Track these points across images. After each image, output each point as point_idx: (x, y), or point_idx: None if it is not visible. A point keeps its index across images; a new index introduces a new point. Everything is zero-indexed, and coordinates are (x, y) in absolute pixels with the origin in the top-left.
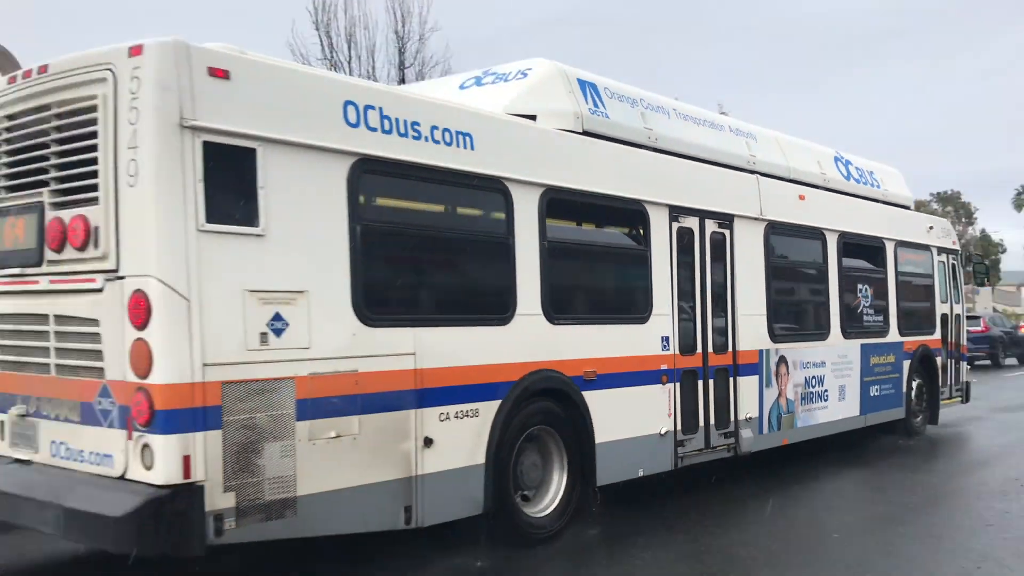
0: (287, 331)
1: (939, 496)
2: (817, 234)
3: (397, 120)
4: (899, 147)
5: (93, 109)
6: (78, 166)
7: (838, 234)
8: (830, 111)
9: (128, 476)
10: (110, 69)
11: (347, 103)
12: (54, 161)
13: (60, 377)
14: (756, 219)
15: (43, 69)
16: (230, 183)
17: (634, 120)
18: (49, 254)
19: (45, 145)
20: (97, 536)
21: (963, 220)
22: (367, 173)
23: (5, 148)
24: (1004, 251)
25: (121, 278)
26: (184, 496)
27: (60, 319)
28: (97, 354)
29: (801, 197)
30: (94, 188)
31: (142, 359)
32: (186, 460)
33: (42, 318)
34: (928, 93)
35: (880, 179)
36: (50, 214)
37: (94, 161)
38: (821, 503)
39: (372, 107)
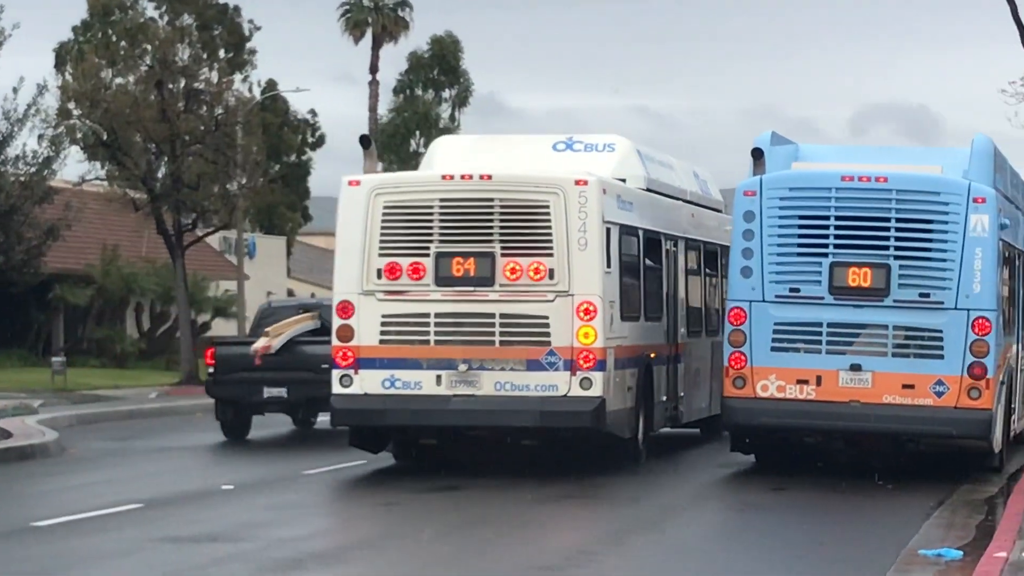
0: (614, 323)
1: None
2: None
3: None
4: None
5: (545, 207)
6: (530, 234)
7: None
8: None
9: (570, 395)
10: (559, 190)
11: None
12: (500, 232)
13: (503, 346)
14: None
15: (485, 177)
16: (612, 247)
17: (666, 176)
18: (502, 280)
19: (490, 222)
20: (571, 420)
21: None
22: (625, 235)
23: (458, 219)
24: None
25: (571, 295)
26: (602, 401)
27: (506, 317)
28: (545, 334)
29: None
30: (548, 247)
31: (589, 337)
32: (604, 385)
33: (490, 317)
34: None
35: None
36: (501, 259)
37: (548, 233)
38: None
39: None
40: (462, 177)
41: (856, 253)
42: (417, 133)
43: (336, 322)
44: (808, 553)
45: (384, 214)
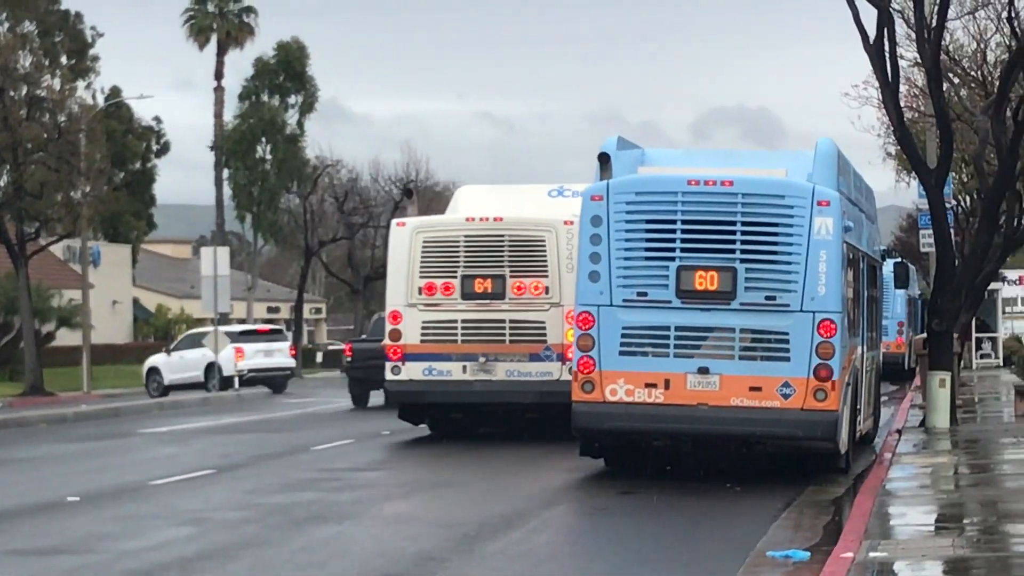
0: None
1: None
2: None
3: None
4: None
5: (542, 240)
6: (531, 261)
7: None
8: None
9: (561, 379)
10: (553, 228)
11: None
12: (509, 259)
13: (512, 344)
14: None
15: (498, 219)
16: None
17: None
18: (510, 295)
19: (501, 252)
20: (563, 398)
21: None
22: None
23: (478, 250)
24: None
25: (562, 306)
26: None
27: (513, 322)
28: (543, 334)
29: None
30: (544, 270)
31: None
32: None
33: (502, 322)
34: None
35: None
36: (510, 279)
37: (544, 260)
38: None
39: None
40: (481, 219)
41: (703, 257)
42: (263, 139)
43: (388, 327)
44: (657, 556)
45: (423, 247)
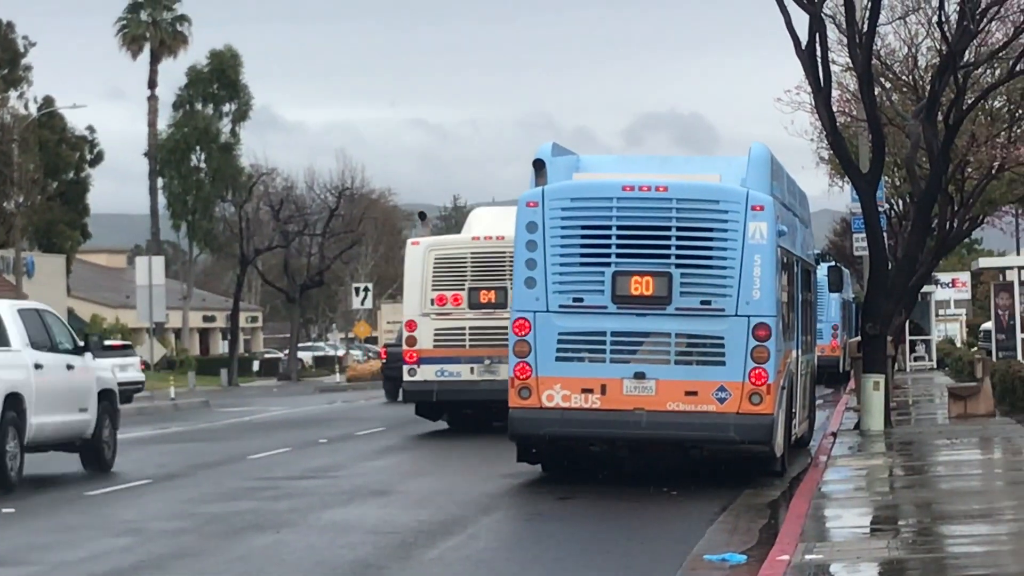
0: None
1: None
2: None
3: None
4: None
5: None
6: None
7: None
8: None
9: None
10: None
11: None
12: (509, 271)
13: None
14: None
15: (500, 238)
16: None
17: None
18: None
19: (503, 267)
20: None
21: None
22: None
23: (483, 265)
24: None
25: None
26: None
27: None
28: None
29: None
30: None
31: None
32: None
33: (505, 329)
34: None
35: None
36: (511, 291)
37: None
38: None
39: None
40: (485, 238)
41: (638, 262)
42: (198, 148)
43: (405, 334)
44: (595, 561)
45: (435, 263)
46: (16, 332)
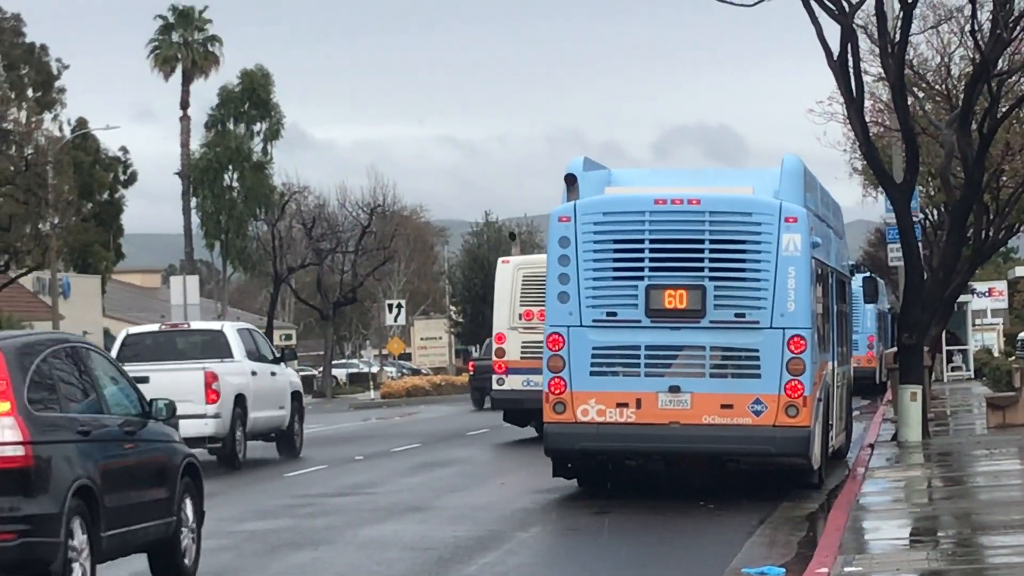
0: None
1: None
2: None
3: None
4: None
5: None
6: None
7: None
8: None
9: None
10: None
11: None
12: None
13: None
14: None
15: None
16: None
17: None
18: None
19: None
20: None
21: None
22: None
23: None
24: None
25: None
26: None
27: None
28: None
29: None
30: None
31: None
32: None
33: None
34: None
35: None
36: None
37: None
38: None
39: None
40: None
41: (671, 275)
42: (230, 167)
43: (494, 346)
44: (632, 575)
45: (523, 280)
46: (237, 347)
